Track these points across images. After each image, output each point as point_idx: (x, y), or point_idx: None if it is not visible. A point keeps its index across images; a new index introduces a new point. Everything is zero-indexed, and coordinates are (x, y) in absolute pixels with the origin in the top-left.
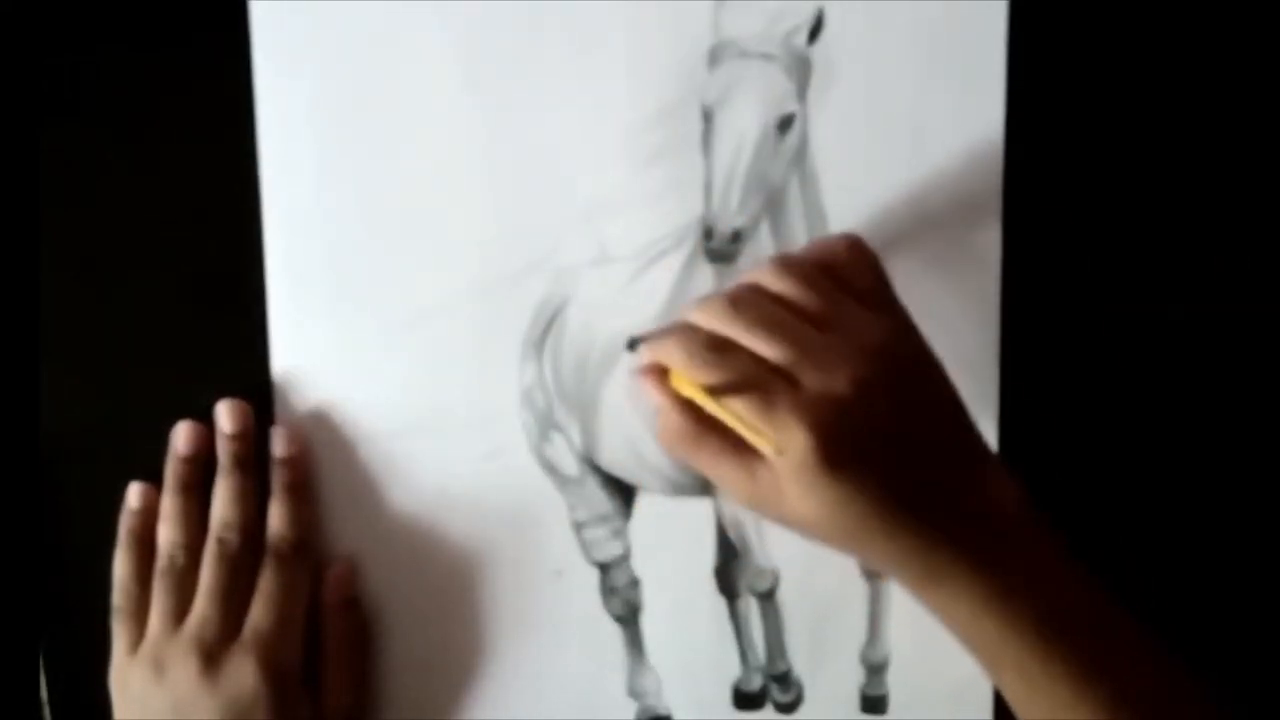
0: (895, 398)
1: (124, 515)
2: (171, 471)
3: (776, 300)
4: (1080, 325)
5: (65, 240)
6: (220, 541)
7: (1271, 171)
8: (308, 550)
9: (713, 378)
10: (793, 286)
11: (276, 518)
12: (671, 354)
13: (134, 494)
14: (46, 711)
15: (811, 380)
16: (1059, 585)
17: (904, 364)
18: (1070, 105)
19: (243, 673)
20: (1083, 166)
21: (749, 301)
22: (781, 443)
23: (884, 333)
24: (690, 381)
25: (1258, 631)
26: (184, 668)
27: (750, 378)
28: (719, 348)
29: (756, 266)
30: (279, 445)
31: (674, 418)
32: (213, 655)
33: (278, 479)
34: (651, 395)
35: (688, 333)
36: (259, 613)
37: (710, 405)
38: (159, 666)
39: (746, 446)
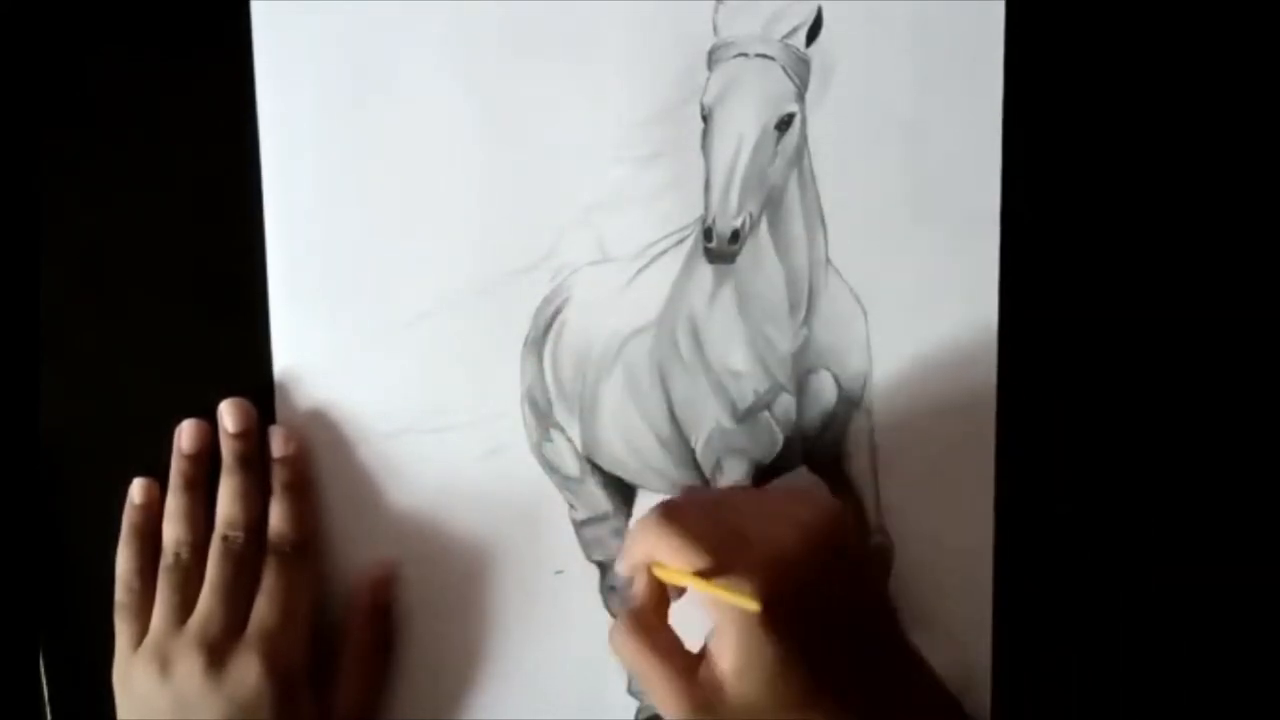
0: (838, 571)
1: (126, 510)
2: (176, 469)
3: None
4: (1078, 327)
5: (65, 240)
6: (225, 539)
7: (1270, 174)
8: (310, 548)
9: (675, 541)
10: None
11: (277, 517)
12: (646, 541)
13: (137, 489)
14: (47, 709)
15: (760, 537)
16: None
17: (841, 548)
18: (1068, 106)
19: (247, 670)
20: (1081, 167)
21: (696, 492)
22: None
23: (822, 513)
24: (669, 569)
25: (1256, 631)
26: (188, 665)
27: (707, 534)
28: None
29: None
30: (276, 445)
31: (629, 618)
32: (217, 652)
33: (277, 478)
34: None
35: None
36: (263, 610)
37: (687, 580)
38: (163, 663)
39: (687, 653)
